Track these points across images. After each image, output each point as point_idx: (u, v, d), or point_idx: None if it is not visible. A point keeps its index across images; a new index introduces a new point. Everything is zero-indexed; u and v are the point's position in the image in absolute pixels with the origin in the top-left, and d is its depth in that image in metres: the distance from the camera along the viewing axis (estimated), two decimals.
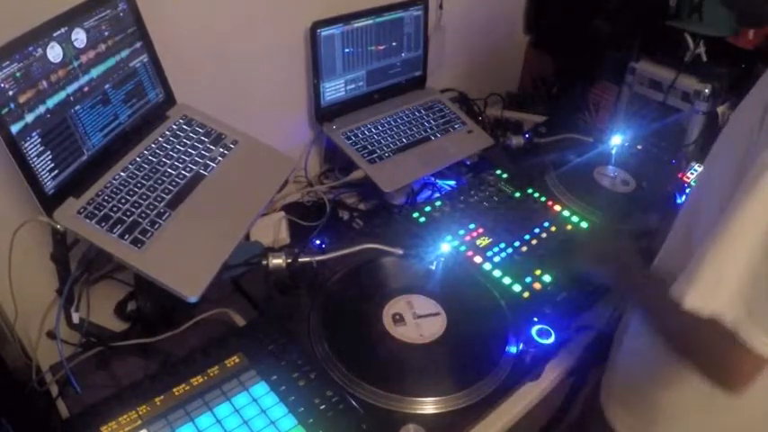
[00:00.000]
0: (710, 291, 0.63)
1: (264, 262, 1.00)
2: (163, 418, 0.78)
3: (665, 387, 0.86)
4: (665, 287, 0.68)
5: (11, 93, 0.79)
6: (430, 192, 1.33)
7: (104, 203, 0.91)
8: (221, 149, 1.06)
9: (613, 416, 0.96)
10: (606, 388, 0.99)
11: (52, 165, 0.86)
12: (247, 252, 1.01)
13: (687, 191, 1.28)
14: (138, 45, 0.99)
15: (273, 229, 1.17)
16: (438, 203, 1.23)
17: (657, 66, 1.43)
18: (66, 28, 0.86)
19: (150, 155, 1.00)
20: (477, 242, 1.14)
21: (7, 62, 0.78)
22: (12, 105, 0.79)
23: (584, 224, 1.20)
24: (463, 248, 1.12)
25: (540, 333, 0.95)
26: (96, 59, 0.92)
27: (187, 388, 0.82)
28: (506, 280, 1.06)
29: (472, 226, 1.18)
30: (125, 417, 0.78)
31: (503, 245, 1.14)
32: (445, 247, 1.08)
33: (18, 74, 0.80)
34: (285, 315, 0.96)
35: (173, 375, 0.84)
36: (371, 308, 0.97)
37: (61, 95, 0.87)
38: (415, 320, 0.96)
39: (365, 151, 1.29)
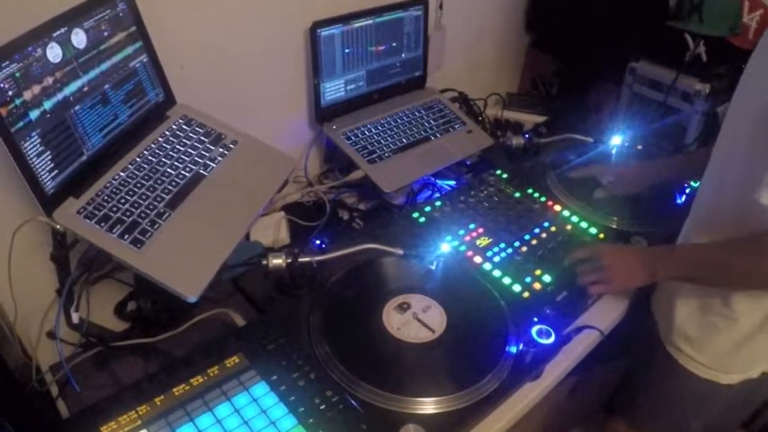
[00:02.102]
0: None
1: (264, 262, 1.00)
2: (163, 418, 0.78)
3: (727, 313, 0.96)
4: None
5: (11, 93, 0.79)
6: (430, 192, 1.34)
7: (104, 203, 0.91)
8: (221, 149, 1.06)
9: (679, 353, 1.04)
10: (668, 334, 1.06)
11: (52, 165, 0.86)
12: (247, 252, 1.01)
13: (687, 191, 1.28)
14: (137, 45, 0.99)
15: (273, 229, 1.17)
16: (438, 203, 1.23)
17: (657, 66, 1.43)
18: (66, 28, 0.86)
19: (150, 155, 1.00)
20: (477, 242, 1.14)
21: (7, 62, 0.78)
22: (11, 105, 0.79)
23: (583, 224, 1.20)
24: (463, 248, 1.12)
25: (540, 333, 0.95)
26: (96, 59, 0.92)
27: (187, 388, 0.82)
28: (506, 280, 1.06)
29: (472, 226, 1.18)
30: (125, 417, 0.78)
31: (503, 245, 1.14)
32: (445, 247, 1.08)
33: (18, 74, 0.80)
34: (285, 315, 0.96)
35: (173, 375, 0.84)
36: (371, 308, 0.97)
37: (61, 95, 0.87)
38: (415, 320, 0.96)
39: (365, 151, 1.29)
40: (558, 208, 1.24)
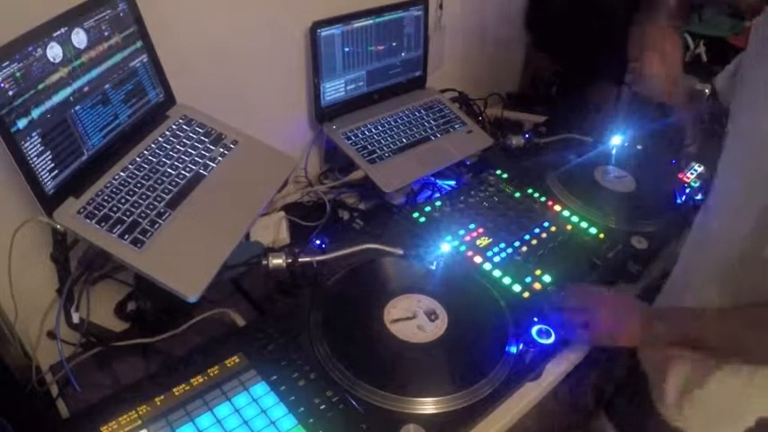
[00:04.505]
0: None
1: (264, 262, 1.00)
2: (163, 418, 0.78)
3: None
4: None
5: (11, 93, 0.79)
6: (430, 192, 1.34)
7: (104, 203, 0.91)
8: (221, 149, 1.06)
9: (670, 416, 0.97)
10: (659, 393, 0.97)
11: (52, 165, 0.86)
12: (247, 252, 1.01)
13: (687, 191, 1.28)
14: (138, 45, 0.99)
15: (273, 229, 1.17)
16: (438, 203, 1.23)
17: None
18: (66, 28, 0.86)
19: (150, 155, 1.00)
20: (477, 242, 1.14)
21: (7, 62, 0.78)
22: (12, 105, 0.79)
23: (583, 224, 1.20)
24: (463, 248, 1.12)
25: (540, 333, 0.95)
26: (96, 59, 0.92)
27: (187, 388, 0.82)
28: (506, 280, 1.06)
29: (472, 226, 1.18)
30: (125, 417, 0.78)
31: (503, 245, 1.14)
32: (445, 247, 1.08)
33: (18, 74, 0.80)
34: (285, 315, 0.96)
35: (173, 375, 0.84)
36: (371, 308, 0.97)
37: (61, 95, 0.87)
38: (415, 320, 0.96)
39: (365, 151, 1.29)
40: (558, 208, 1.24)
